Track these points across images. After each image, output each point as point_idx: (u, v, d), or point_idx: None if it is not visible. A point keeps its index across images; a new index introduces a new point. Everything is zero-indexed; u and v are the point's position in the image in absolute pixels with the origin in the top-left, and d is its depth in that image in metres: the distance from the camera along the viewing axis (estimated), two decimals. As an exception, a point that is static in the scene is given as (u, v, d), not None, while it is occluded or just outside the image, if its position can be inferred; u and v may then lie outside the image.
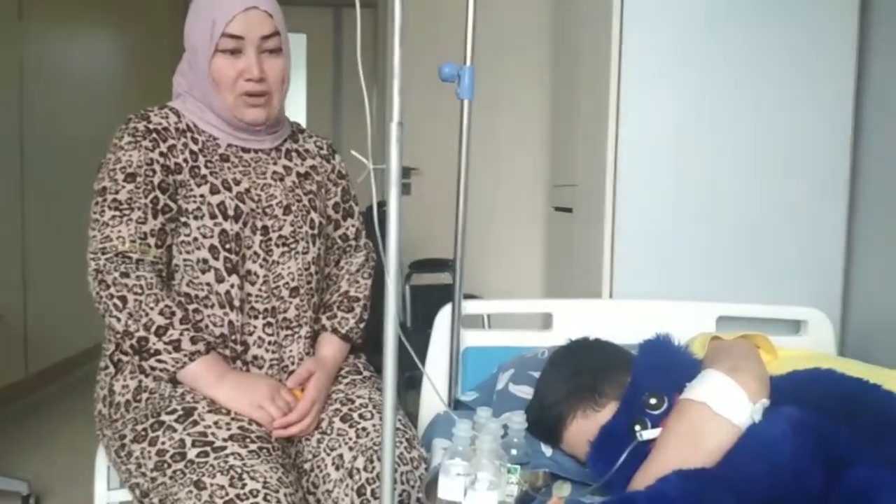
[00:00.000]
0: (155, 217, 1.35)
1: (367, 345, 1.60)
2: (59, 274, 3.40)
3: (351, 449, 1.33)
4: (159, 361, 1.30)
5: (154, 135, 1.39)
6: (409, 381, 2.40)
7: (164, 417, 1.28)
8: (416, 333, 1.64)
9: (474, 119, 1.62)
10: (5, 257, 3.31)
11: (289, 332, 1.45)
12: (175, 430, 1.25)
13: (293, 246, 1.46)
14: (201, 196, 1.39)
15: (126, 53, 4.56)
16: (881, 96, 1.98)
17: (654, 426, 1.25)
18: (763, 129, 2.00)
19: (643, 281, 2.01)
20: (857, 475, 1.05)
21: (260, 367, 1.41)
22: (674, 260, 2.01)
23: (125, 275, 1.30)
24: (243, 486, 1.17)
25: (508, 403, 1.52)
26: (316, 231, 1.50)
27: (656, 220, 2.01)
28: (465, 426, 1.11)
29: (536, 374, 1.50)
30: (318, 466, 1.34)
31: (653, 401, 1.27)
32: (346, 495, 1.29)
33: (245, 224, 1.41)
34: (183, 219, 1.38)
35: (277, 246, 1.44)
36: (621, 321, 1.69)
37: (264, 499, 1.16)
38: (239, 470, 1.18)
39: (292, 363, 1.45)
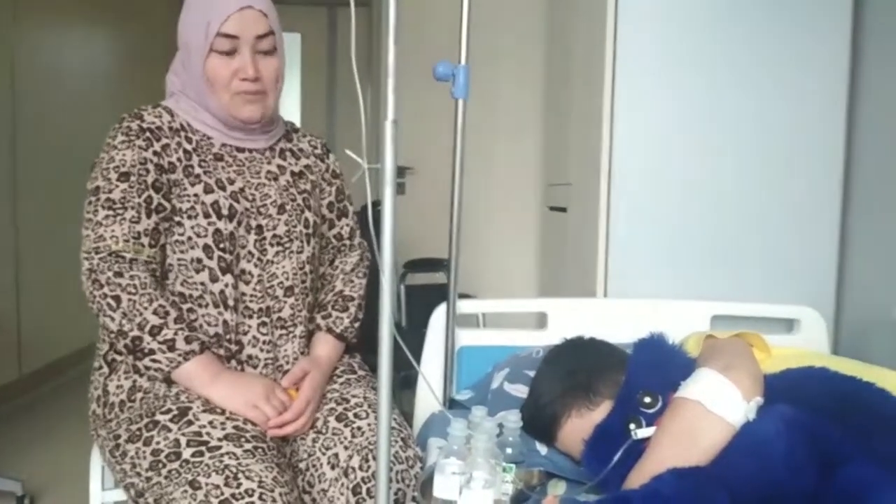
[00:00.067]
0: (149, 216, 1.35)
1: (361, 344, 1.59)
2: (53, 274, 3.39)
3: (346, 448, 1.33)
4: (154, 361, 1.30)
5: (147, 134, 1.39)
6: (404, 381, 2.40)
7: (158, 417, 1.27)
8: (411, 333, 1.64)
9: (469, 118, 1.62)
10: (-2, 257, 3.30)
11: (283, 331, 1.45)
12: (170, 430, 1.25)
13: (288, 245, 1.46)
14: (195, 195, 1.38)
15: (120, 53, 4.54)
16: (875, 96, 1.99)
17: (648, 425, 1.25)
18: (756, 128, 2.01)
19: (637, 280, 2.01)
20: (850, 473, 1.06)
21: (255, 367, 1.41)
22: (668, 259, 2.02)
23: (119, 274, 1.30)
24: (238, 485, 1.16)
25: (503, 402, 1.52)
26: (310, 230, 1.50)
27: (650, 219, 2.02)
28: (460, 425, 1.11)
29: (531, 373, 1.50)
30: (314, 466, 1.34)
31: (647, 399, 1.27)
32: (342, 494, 1.29)
33: (239, 223, 1.40)
34: (177, 218, 1.38)
35: (272, 245, 1.44)
36: (616, 320, 1.69)
37: (259, 498, 1.16)
38: (234, 469, 1.18)
39: (287, 362, 1.44)
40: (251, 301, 1.41)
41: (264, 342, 1.42)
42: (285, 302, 1.45)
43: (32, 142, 3.49)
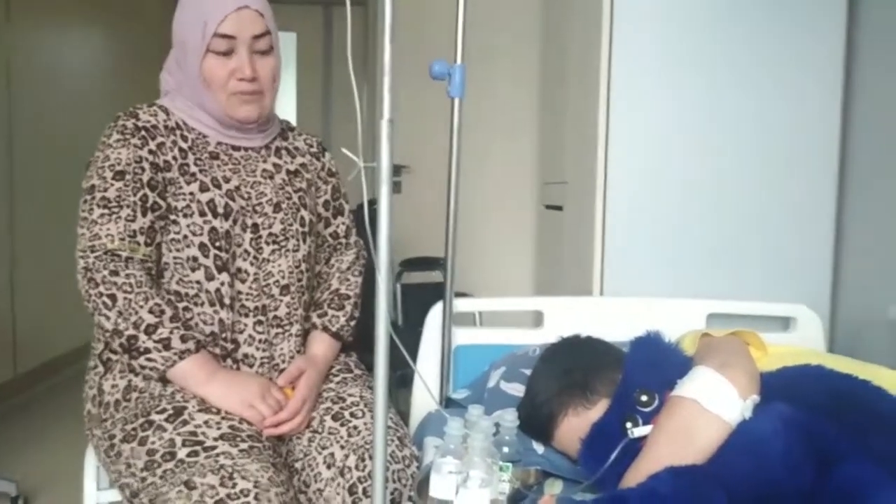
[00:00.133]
0: (144, 215, 1.34)
1: (358, 343, 1.59)
2: (48, 273, 3.38)
3: (342, 447, 1.32)
4: (149, 360, 1.29)
5: (143, 132, 1.38)
6: (401, 380, 2.40)
7: (153, 417, 1.27)
8: (408, 332, 1.64)
9: (465, 117, 1.62)
10: (-7, 256, 3.29)
11: (279, 330, 1.45)
12: (165, 430, 1.24)
13: (283, 244, 1.45)
14: (191, 194, 1.38)
15: (116, 52, 4.53)
16: (869, 95, 1.99)
17: (645, 423, 1.25)
18: (752, 127, 2.01)
19: (634, 278, 2.01)
20: (846, 471, 1.06)
21: (250, 366, 1.41)
22: (664, 257, 2.02)
23: (114, 273, 1.29)
24: (234, 485, 1.16)
25: (500, 401, 1.52)
26: (306, 229, 1.49)
27: (646, 217, 2.02)
28: (456, 424, 1.11)
29: (528, 372, 1.50)
30: (310, 465, 1.34)
31: (644, 398, 1.27)
32: (338, 494, 1.29)
33: (235, 222, 1.40)
34: (172, 216, 1.37)
35: (268, 244, 1.44)
36: (612, 318, 1.69)
37: (255, 498, 1.15)
38: (229, 469, 1.18)
39: (283, 361, 1.44)
40: (247, 299, 1.41)
41: (260, 341, 1.42)
42: (281, 300, 1.45)
43: (28, 141, 3.49)
